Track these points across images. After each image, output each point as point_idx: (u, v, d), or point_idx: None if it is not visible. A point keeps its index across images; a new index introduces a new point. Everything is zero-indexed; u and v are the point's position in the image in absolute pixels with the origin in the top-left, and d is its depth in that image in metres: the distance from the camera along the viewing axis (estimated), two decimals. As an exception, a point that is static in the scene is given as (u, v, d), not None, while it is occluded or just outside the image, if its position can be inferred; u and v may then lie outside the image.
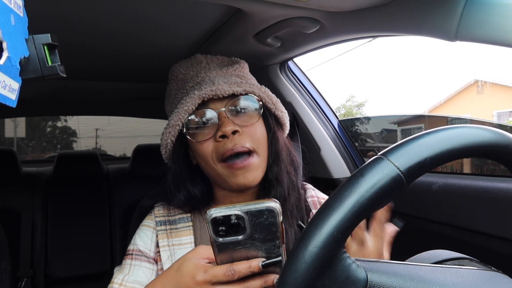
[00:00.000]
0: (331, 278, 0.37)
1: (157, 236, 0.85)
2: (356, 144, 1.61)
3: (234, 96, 0.81)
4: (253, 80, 0.94)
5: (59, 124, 13.84)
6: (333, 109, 1.60)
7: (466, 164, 1.57)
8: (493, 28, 0.68)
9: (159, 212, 0.88)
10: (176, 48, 1.28)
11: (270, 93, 0.87)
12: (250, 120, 0.81)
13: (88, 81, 1.65)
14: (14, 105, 0.36)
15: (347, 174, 1.54)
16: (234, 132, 0.77)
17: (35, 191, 2.16)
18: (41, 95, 1.84)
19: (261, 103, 0.83)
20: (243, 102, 0.81)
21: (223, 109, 0.79)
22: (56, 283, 2.06)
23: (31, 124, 13.23)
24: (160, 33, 1.13)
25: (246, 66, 0.96)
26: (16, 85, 0.36)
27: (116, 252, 2.11)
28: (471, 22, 0.71)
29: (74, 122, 12.83)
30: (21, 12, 0.38)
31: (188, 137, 0.81)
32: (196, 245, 0.84)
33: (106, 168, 2.39)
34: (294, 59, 1.44)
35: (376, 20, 0.91)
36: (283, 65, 1.45)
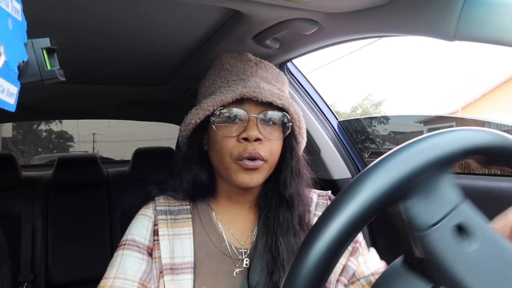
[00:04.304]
0: (437, 178, 0.41)
1: (155, 225, 0.85)
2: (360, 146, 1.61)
3: (269, 107, 0.82)
4: (291, 99, 0.96)
5: (55, 128, 13.80)
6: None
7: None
8: (492, 27, 0.68)
9: (159, 201, 0.88)
10: (175, 50, 1.28)
11: (302, 116, 0.89)
12: (274, 135, 0.83)
13: (87, 84, 1.65)
14: (13, 109, 0.36)
15: (347, 175, 1.54)
16: (256, 140, 0.79)
17: (35, 196, 2.16)
18: (40, 100, 1.84)
19: (291, 123, 0.86)
20: (275, 117, 0.83)
21: (255, 115, 0.81)
22: (56, 288, 2.06)
23: (24, 127, 13.21)
24: (159, 35, 1.13)
25: (287, 84, 0.96)
26: (14, 90, 0.35)
27: (117, 255, 2.10)
28: (469, 21, 0.71)
29: (73, 125, 12.81)
30: (19, 16, 0.37)
31: (214, 126, 0.82)
32: (194, 237, 0.84)
33: (106, 171, 2.39)
34: (293, 61, 1.45)
35: (375, 20, 0.91)
36: (282, 66, 1.45)
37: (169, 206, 0.87)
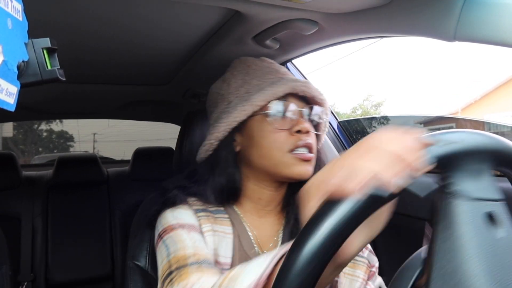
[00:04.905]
0: None
1: (199, 220, 0.80)
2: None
3: (306, 102, 0.85)
4: None
5: (56, 128, 13.78)
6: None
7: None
8: (491, 28, 0.68)
9: (194, 202, 0.84)
10: (175, 51, 1.28)
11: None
12: (312, 129, 0.84)
13: (88, 84, 1.65)
14: (12, 109, 0.36)
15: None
16: (306, 132, 0.81)
17: (35, 195, 2.16)
18: (41, 99, 1.85)
19: (327, 118, 0.89)
20: (318, 112, 0.86)
21: (303, 109, 0.83)
22: (56, 287, 2.06)
23: (24, 127, 13.19)
24: (159, 36, 1.14)
25: None
26: (14, 89, 0.36)
27: (117, 255, 2.10)
28: (469, 22, 0.71)
29: (74, 125, 12.80)
30: (20, 16, 0.37)
31: (268, 119, 0.81)
32: (235, 237, 0.81)
33: (106, 171, 2.39)
34: (294, 61, 1.45)
35: (375, 21, 0.91)
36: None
37: (204, 205, 0.83)
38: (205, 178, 0.85)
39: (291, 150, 0.79)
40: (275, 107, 0.81)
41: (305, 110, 0.83)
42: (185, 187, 0.86)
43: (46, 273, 2.04)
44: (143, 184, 2.23)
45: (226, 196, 0.84)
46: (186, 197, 0.84)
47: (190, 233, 0.76)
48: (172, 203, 0.82)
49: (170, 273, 0.69)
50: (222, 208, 0.85)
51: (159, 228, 0.80)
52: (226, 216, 0.84)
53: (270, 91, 0.81)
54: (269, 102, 0.81)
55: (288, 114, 0.81)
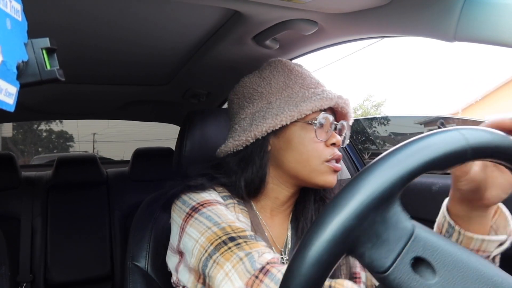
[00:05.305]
0: (383, 217, 0.38)
1: (227, 207, 0.83)
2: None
3: (339, 117, 0.89)
4: None
5: (55, 128, 13.77)
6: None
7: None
8: (491, 28, 0.68)
9: (219, 189, 0.86)
10: (175, 51, 1.28)
11: None
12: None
13: (87, 85, 1.65)
14: (12, 109, 0.36)
15: (347, 175, 1.54)
16: (339, 145, 0.86)
17: (35, 196, 2.16)
18: (40, 100, 1.84)
19: (349, 134, 0.92)
20: (346, 127, 0.90)
21: (338, 123, 0.87)
22: (56, 288, 2.06)
23: (24, 127, 13.18)
24: (159, 36, 1.14)
25: None
26: (13, 90, 0.35)
27: (116, 256, 2.10)
28: (469, 22, 0.71)
29: (73, 125, 12.80)
30: (19, 16, 0.37)
31: (315, 127, 0.84)
32: (251, 231, 0.83)
33: (106, 172, 2.39)
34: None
35: (375, 21, 0.91)
36: (282, 67, 1.45)
37: (230, 195, 0.86)
38: (235, 172, 0.87)
39: (327, 161, 0.83)
40: (321, 118, 0.83)
41: (339, 124, 0.87)
42: (212, 176, 0.88)
43: (45, 273, 2.04)
44: (142, 184, 2.23)
45: (253, 191, 0.87)
46: (213, 185, 0.86)
47: (228, 212, 0.79)
48: (198, 187, 0.84)
49: (233, 238, 0.70)
50: (242, 201, 0.88)
51: (190, 203, 0.80)
52: (246, 209, 0.87)
53: (317, 102, 0.83)
54: (313, 112, 0.83)
55: (328, 126, 0.85)
